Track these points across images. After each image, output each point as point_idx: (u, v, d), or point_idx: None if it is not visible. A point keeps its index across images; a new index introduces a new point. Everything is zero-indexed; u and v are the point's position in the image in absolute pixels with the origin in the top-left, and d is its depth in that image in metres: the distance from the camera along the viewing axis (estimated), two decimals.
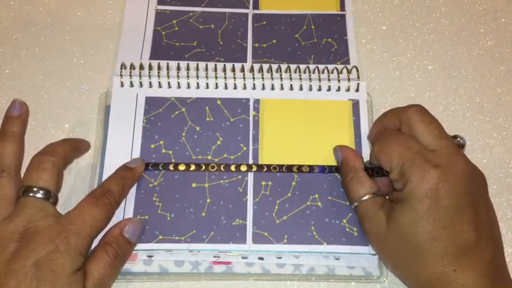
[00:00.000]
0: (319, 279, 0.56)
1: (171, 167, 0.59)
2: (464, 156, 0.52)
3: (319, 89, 0.63)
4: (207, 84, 0.63)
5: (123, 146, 0.60)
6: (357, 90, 0.63)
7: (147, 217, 0.56)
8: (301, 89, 0.63)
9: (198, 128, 0.61)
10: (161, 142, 0.60)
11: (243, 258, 0.55)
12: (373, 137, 0.57)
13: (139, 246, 0.54)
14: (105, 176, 0.57)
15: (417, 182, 0.49)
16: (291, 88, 0.63)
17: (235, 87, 0.63)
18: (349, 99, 0.62)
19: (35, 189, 0.51)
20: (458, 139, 0.56)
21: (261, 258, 0.56)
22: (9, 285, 0.45)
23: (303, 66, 0.64)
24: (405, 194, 0.50)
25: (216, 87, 0.63)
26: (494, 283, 0.48)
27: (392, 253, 0.52)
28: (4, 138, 0.54)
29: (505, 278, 0.50)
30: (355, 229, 0.56)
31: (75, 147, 0.58)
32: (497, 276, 0.49)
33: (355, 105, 0.62)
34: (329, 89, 0.63)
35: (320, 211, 0.57)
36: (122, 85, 0.63)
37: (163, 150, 0.60)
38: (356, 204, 0.54)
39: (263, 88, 0.63)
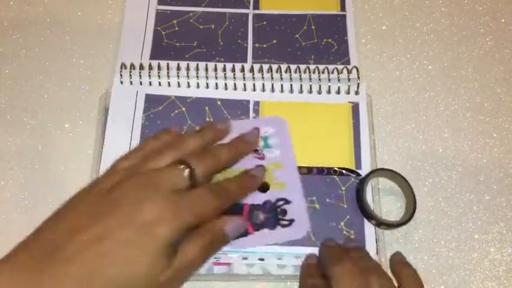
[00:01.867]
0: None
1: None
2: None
3: (319, 92, 0.63)
4: (207, 84, 0.63)
5: (121, 142, 0.60)
6: (357, 92, 0.63)
7: None
8: (301, 91, 0.63)
9: (197, 128, 0.61)
10: None
11: (243, 259, 0.55)
12: None
13: None
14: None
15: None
16: (291, 91, 0.63)
17: (235, 88, 0.63)
18: (349, 102, 0.62)
19: (184, 165, 0.51)
20: None
21: (261, 259, 0.56)
22: (110, 231, 0.46)
23: (303, 67, 0.64)
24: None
25: (216, 87, 0.63)
26: None
27: None
28: (195, 135, 0.56)
29: None
30: (352, 232, 0.56)
31: (238, 155, 0.58)
32: None
33: (355, 108, 0.62)
34: (329, 91, 0.63)
35: (318, 213, 0.57)
36: (122, 83, 0.63)
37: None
38: None
39: (263, 90, 0.63)
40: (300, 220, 0.56)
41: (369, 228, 0.56)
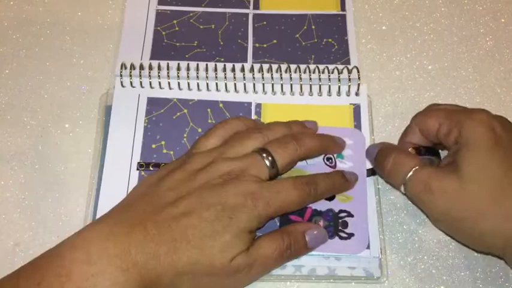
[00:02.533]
0: (319, 279, 0.56)
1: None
2: None
3: (320, 93, 0.63)
4: (207, 85, 0.63)
5: (124, 145, 0.60)
6: (357, 94, 0.63)
7: None
8: (302, 93, 0.63)
9: (199, 130, 0.61)
10: (162, 142, 0.60)
11: None
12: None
13: None
14: (105, 176, 0.57)
15: (473, 124, 0.51)
16: (292, 92, 0.63)
17: (236, 90, 0.63)
18: (350, 104, 0.62)
19: (266, 154, 0.53)
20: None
21: None
22: (193, 209, 0.49)
23: (303, 67, 0.64)
24: (463, 140, 0.51)
25: (217, 89, 0.63)
26: None
27: (474, 203, 0.50)
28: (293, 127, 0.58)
29: None
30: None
31: (322, 148, 0.58)
32: None
33: (356, 109, 0.62)
34: (329, 93, 0.63)
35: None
36: (123, 85, 0.63)
37: (165, 151, 0.60)
38: (407, 180, 0.53)
39: (264, 92, 0.63)
40: (359, 236, 0.56)
41: (372, 228, 0.56)
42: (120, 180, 0.58)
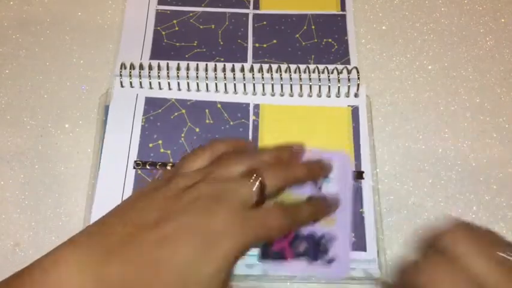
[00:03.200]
0: (319, 280, 0.56)
1: (168, 167, 0.59)
2: None
3: (319, 95, 0.63)
4: (207, 86, 0.63)
5: (121, 144, 0.60)
6: (357, 95, 0.63)
7: None
8: (301, 95, 0.63)
9: (197, 130, 0.61)
10: (160, 142, 0.60)
11: (243, 259, 0.55)
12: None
13: None
14: (101, 174, 0.57)
15: None
16: (291, 94, 0.63)
17: (235, 91, 0.63)
18: (348, 106, 0.63)
19: (256, 178, 0.50)
20: None
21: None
22: (179, 229, 0.46)
23: (303, 66, 0.64)
24: None
25: (217, 90, 0.63)
26: None
27: None
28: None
29: None
30: (352, 234, 0.56)
31: (310, 176, 0.56)
32: None
33: (355, 111, 0.62)
34: (329, 94, 0.63)
35: None
36: (122, 85, 0.63)
37: (162, 150, 0.60)
38: None
39: (263, 93, 0.63)
40: (340, 260, 0.55)
41: (369, 230, 0.56)
42: (117, 178, 0.58)
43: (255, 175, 0.50)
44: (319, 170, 0.56)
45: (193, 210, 0.47)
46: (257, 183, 0.49)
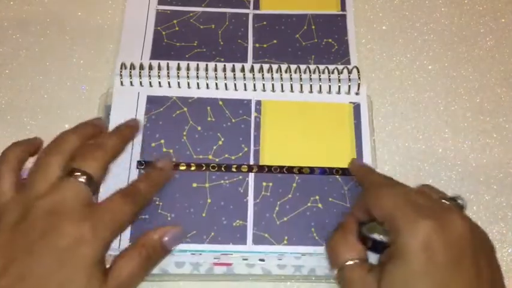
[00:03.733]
0: (319, 280, 0.56)
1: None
2: (462, 212, 0.48)
3: (320, 91, 0.63)
4: (207, 85, 0.63)
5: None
6: (358, 92, 0.63)
7: (147, 216, 0.56)
8: (301, 91, 0.63)
9: (199, 128, 0.61)
10: (162, 141, 0.60)
11: (243, 259, 0.55)
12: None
13: None
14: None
15: (408, 234, 0.44)
16: (292, 90, 0.63)
17: (235, 88, 0.63)
18: (350, 102, 0.62)
19: (79, 173, 0.49)
20: (459, 201, 0.49)
21: (261, 260, 0.56)
22: (31, 266, 0.45)
23: (303, 67, 0.64)
24: (396, 249, 0.45)
25: (217, 87, 0.63)
26: None
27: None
28: (74, 131, 0.54)
29: None
30: None
31: (124, 140, 0.57)
32: None
33: (356, 108, 0.62)
34: (329, 91, 0.63)
35: (321, 212, 0.57)
36: (123, 84, 0.63)
37: (164, 149, 0.60)
38: (339, 269, 0.50)
39: (264, 90, 0.63)
40: None
41: None
42: (120, 178, 0.58)
43: (76, 170, 0.49)
44: (129, 131, 0.57)
45: (34, 240, 0.45)
46: (83, 178, 0.49)
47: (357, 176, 0.58)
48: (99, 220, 0.47)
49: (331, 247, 0.52)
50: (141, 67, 0.63)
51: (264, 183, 0.58)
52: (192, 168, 0.59)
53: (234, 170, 0.59)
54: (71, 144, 0.52)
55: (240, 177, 0.58)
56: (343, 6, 0.70)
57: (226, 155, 0.60)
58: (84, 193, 0.49)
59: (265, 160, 0.59)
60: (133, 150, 0.59)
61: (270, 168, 0.59)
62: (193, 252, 0.55)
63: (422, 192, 0.50)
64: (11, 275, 0.44)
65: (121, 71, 0.63)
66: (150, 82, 0.63)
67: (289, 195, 0.57)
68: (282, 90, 0.63)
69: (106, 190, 0.57)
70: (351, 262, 0.49)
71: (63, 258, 0.45)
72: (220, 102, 0.62)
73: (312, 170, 0.59)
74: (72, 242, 0.46)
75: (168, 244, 0.52)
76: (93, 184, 0.50)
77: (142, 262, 0.49)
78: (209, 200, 0.57)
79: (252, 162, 0.59)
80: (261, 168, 0.59)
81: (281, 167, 0.59)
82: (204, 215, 0.56)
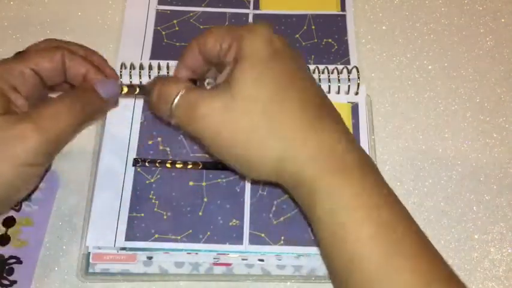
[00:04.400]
0: (319, 280, 0.55)
1: (168, 164, 0.59)
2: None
3: None
4: None
5: (120, 141, 0.60)
6: (357, 93, 0.63)
7: (142, 215, 0.56)
8: None
9: None
10: (159, 139, 0.60)
11: (243, 259, 0.55)
12: None
13: (136, 244, 0.55)
14: (100, 172, 0.57)
15: (251, 38, 0.47)
16: None
17: None
18: (348, 102, 0.62)
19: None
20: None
21: (261, 260, 0.55)
22: None
23: None
24: (242, 55, 0.47)
25: None
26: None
27: (241, 120, 0.46)
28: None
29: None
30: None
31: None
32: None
33: (355, 108, 0.62)
34: (329, 91, 0.63)
35: None
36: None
37: (161, 147, 0.60)
38: (174, 108, 0.48)
39: None
40: (22, 284, 0.55)
41: None
42: (116, 176, 0.58)
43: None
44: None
45: None
46: None
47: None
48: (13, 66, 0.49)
49: (154, 102, 0.50)
50: (141, 67, 0.63)
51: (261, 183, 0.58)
52: (189, 166, 0.58)
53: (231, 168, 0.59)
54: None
55: (237, 176, 0.58)
56: (343, 6, 0.70)
57: None
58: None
59: None
60: (130, 148, 0.59)
61: None
62: (189, 252, 0.55)
63: None
64: None
65: (121, 71, 0.63)
66: None
67: (286, 195, 0.57)
68: None
69: (101, 187, 0.57)
70: (181, 94, 0.48)
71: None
72: None
73: None
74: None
75: (103, 93, 0.50)
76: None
77: (79, 116, 0.48)
78: (205, 199, 0.57)
79: None
80: None
81: None
82: (200, 214, 0.56)
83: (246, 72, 0.46)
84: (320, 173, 0.45)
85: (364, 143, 0.60)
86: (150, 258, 0.55)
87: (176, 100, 0.48)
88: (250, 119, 0.46)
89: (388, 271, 0.43)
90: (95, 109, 0.50)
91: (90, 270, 0.55)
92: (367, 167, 0.47)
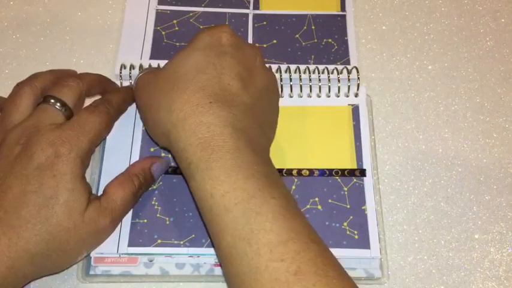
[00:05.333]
0: None
1: (170, 171, 0.59)
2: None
3: (319, 95, 0.63)
4: None
5: (122, 149, 0.59)
6: (357, 94, 0.63)
7: (145, 220, 0.56)
8: (301, 96, 0.63)
9: None
10: None
11: None
12: None
13: (138, 250, 0.54)
14: (103, 181, 0.57)
15: (207, 29, 0.54)
16: (291, 95, 0.63)
17: None
18: (348, 105, 0.62)
19: (52, 100, 0.52)
20: None
21: None
22: (12, 187, 0.47)
23: (303, 67, 0.64)
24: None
25: None
26: (246, 132, 0.48)
27: (157, 89, 0.52)
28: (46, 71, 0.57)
29: (257, 140, 0.50)
30: (355, 232, 0.56)
31: (102, 82, 0.59)
32: (249, 131, 0.49)
33: (355, 110, 0.62)
34: (329, 94, 0.63)
35: (320, 214, 0.57)
36: None
37: (163, 154, 0.59)
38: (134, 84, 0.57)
39: None
40: None
41: (372, 227, 0.56)
42: None
43: (50, 97, 0.52)
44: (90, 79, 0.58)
45: (14, 161, 0.48)
46: (56, 104, 0.52)
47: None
48: (68, 134, 0.50)
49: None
50: (141, 68, 0.63)
51: None
52: None
53: None
54: (42, 77, 0.55)
55: None
56: (343, 7, 0.70)
57: None
58: (57, 117, 0.52)
59: None
60: (132, 155, 0.59)
61: None
62: (191, 255, 0.55)
63: None
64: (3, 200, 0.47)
65: (121, 72, 0.63)
66: None
67: None
68: (281, 94, 0.63)
69: None
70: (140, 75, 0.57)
71: (41, 175, 0.47)
72: None
73: (311, 171, 0.59)
74: (48, 160, 0.48)
75: (154, 173, 0.55)
76: (67, 110, 0.52)
77: (134, 188, 0.53)
78: None
79: None
80: None
81: (280, 169, 0.58)
82: None
83: (179, 54, 0.53)
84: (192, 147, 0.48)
85: (365, 145, 0.60)
86: (151, 260, 0.55)
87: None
88: (159, 91, 0.52)
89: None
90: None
91: (91, 272, 0.55)
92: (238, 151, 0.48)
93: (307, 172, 0.59)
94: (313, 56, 0.66)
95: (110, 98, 0.56)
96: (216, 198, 0.45)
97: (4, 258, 0.46)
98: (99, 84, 0.58)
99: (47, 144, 0.48)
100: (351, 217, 0.56)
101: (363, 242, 0.55)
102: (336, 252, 0.54)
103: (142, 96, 0.55)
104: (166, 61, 0.62)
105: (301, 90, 0.63)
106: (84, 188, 0.49)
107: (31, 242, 0.46)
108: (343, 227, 0.56)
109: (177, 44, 0.67)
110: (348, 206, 0.57)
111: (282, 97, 0.63)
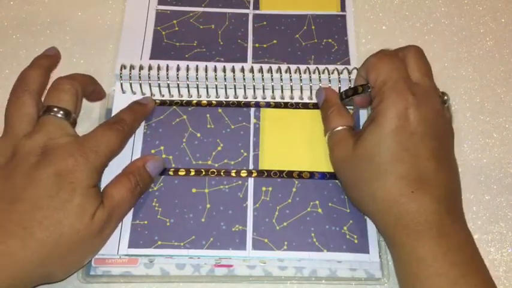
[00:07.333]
0: (320, 281, 0.56)
1: (171, 172, 0.59)
2: (440, 100, 0.55)
3: None
4: (207, 92, 0.63)
5: (124, 150, 0.59)
6: None
7: (146, 222, 0.56)
8: (301, 98, 0.63)
9: (198, 135, 0.61)
10: (161, 147, 0.60)
11: (244, 261, 0.56)
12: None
13: (139, 251, 0.55)
14: (104, 182, 0.57)
15: (391, 102, 0.51)
16: (292, 97, 0.63)
17: (235, 95, 0.63)
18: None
19: (55, 109, 0.53)
20: (445, 97, 0.56)
21: (263, 262, 0.56)
22: (30, 192, 0.49)
23: (303, 67, 0.64)
24: (377, 112, 0.52)
25: (217, 95, 0.63)
26: (449, 212, 0.50)
27: (356, 172, 0.53)
28: (31, 66, 0.58)
29: (458, 210, 0.52)
30: (355, 236, 0.56)
31: (92, 82, 0.61)
32: (451, 206, 0.51)
33: (355, 112, 0.62)
34: None
35: (320, 218, 0.57)
36: (124, 91, 0.63)
37: (164, 155, 0.60)
38: (329, 133, 0.58)
39: (264, 97, 0.63)
40: None
41: (371, 232, 0.56)
42: None
43: (50, 107, 0.53)
44: (82, 78, 0.59)
45: (32, 169, 0.50)
46: (60, 113, 0.53)
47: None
48: (87, 147, 0.52)
49: (326, 118, 0.59)
50: (141, 68, 0.63)
51: (264, 188, 0.58)
52: (192, 173, 0.59)
53: (233, 174, 0.59)
54: (33, 79, 0.56)
55: (240, 182, 0.58)
56: (343, 7, 0.70)
57: (226, 160, 0.60)
58: (65, 127, 0.53)
59: (264, 165, 0.59)
60: (133, 157, 0.59)
61: (269, 173, 0.59)
62: (191, 257, 0.55)
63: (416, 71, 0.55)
64: (6, 199, 0.49)
65: (121, 72, 0.63)
66: (150, 89, 0.63)
67: (289, 200, 0.57)
68: (282, 96, 0.63)
69: None
70: (340, 128, 0.57)
71: (58, 183, 0.49)
72: (220, 110, 0.62)
73: (311, 174, 0.59)
74: (67, 167, 0.50)
75: (150, 171, 0.57)
76: (71, 117, 0.54)
77: (130, 186, 0.54)
78: (208, 205, 0.57)
79: (251, 167, 0.59)
80: (261, 173, 0.59)
81: (280, 172, 0.59)
82: (203, 220, 0.56)
83: (371, 140, 0.52)
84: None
85: None
86: (151, 261, 0.55)
87: (330, 132, 0.58)
88: (349, 176, 0.55)
89: None
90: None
91: (92, 273, 0.55)
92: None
93: (308, 175, 0.59)
94: (313, 56, 0.66)
95: (123, 117, 0.57)
96: (420, 278, 0.48)
97: (16, 258, 0.47)
98: (91, 81, 0.60)
99: (67, 155, 0.50)
100: (351, 221, 0.57)
101: (362, 247, 0.55)
102: (336, 256, 0.55)
103: (341, 173, 0.56)
104: (166, 61, 0.63)
105: (301, 93, 0.63)
106: (96, 195, 0.51)
107: (43, 244, 0.48)
108: (343, 231, 0.56)
109: (177, 44, 0.67)
110: (348, 210, 0.57)
111: (283, 99, 0.63)
